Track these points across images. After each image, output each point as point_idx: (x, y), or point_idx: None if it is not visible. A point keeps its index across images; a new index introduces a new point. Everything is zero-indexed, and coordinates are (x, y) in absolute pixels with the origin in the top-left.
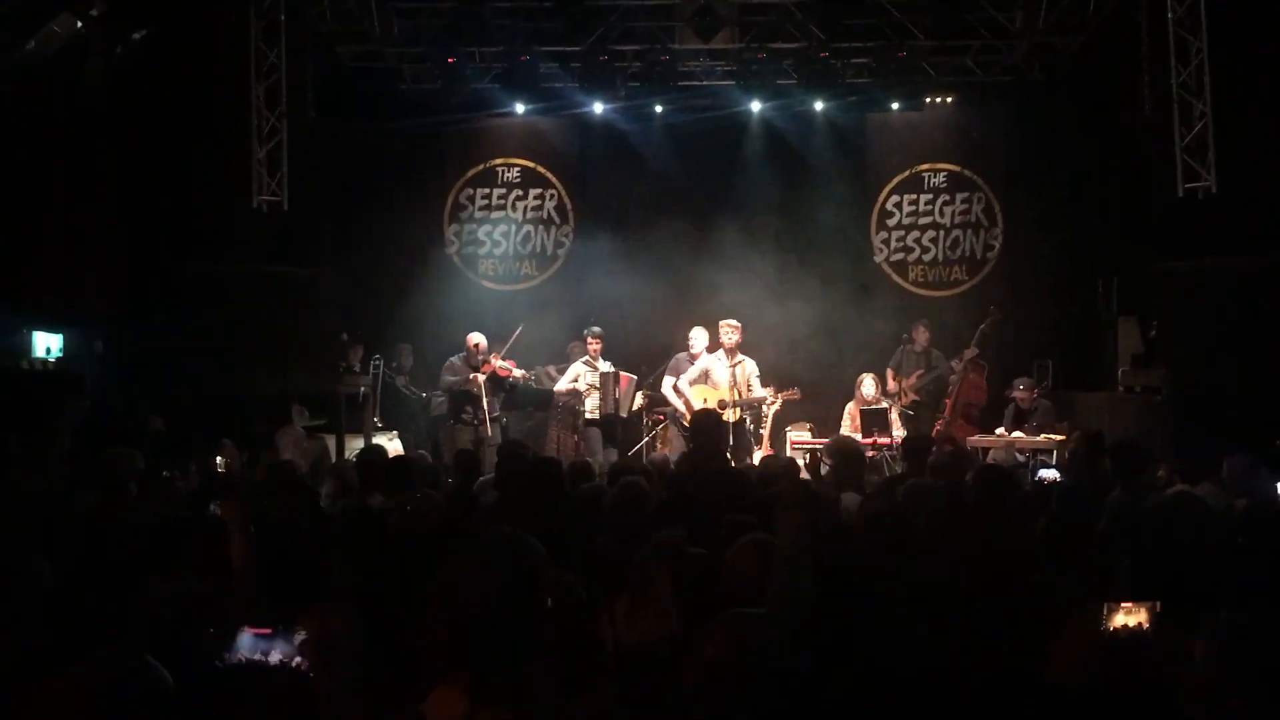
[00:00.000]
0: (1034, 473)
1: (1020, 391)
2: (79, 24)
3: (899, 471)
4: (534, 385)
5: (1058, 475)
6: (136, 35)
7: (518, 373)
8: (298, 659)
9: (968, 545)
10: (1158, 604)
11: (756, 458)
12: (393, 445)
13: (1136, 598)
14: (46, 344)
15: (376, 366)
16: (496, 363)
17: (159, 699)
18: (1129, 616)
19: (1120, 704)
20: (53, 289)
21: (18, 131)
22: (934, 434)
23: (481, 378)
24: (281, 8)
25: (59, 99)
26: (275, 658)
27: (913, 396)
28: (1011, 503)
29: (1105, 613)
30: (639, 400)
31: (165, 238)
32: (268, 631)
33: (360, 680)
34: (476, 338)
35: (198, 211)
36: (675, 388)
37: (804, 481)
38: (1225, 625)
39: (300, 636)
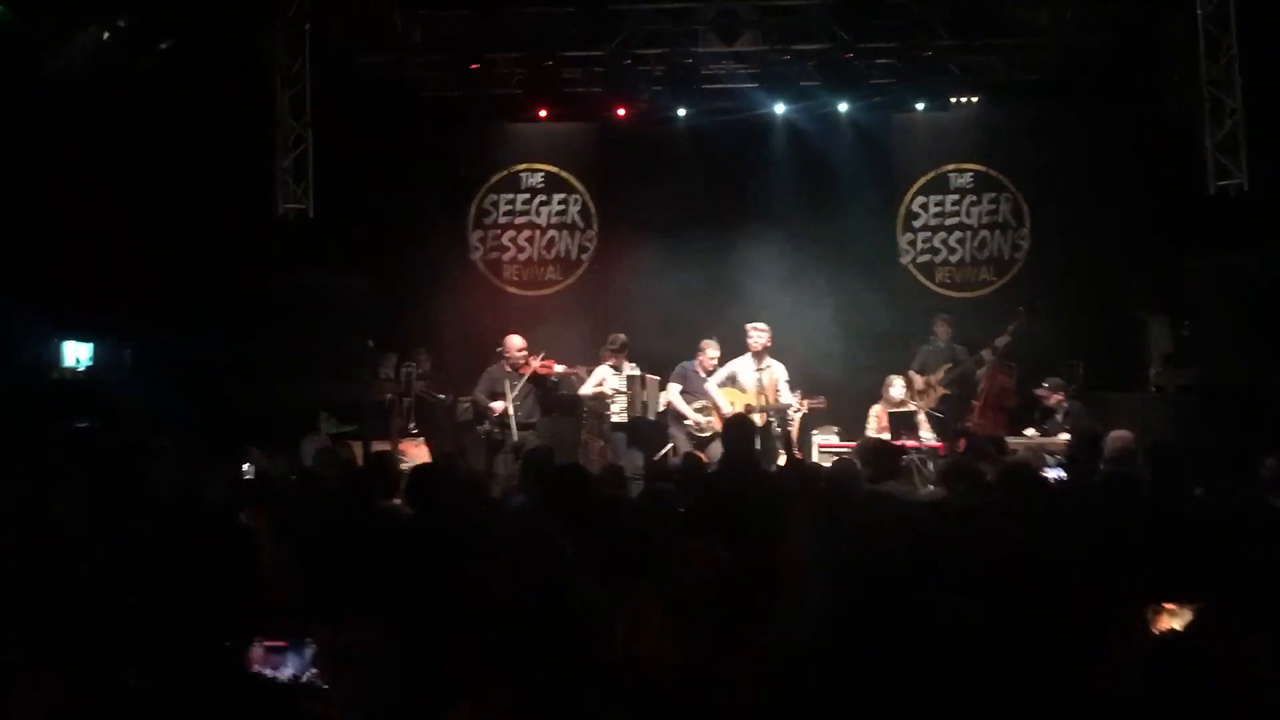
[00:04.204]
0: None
1: (1043, 391)
2: (106, 35)
3: (932, 488)
4: (576, 380)
5: (1062, 474)
6: (163, 45)
7: (559, 368)
8: (311, 672)
9: (999, 544)
10: (1203, 605)
11: (781, 461)
12: (419, 452)
13: (1181, 599)
14: (76, 354)
15: (408, 373)
16: (536, 362)
17: (120, 707)
18: (1174, 619)
19: (1172, 709)
20: (83, 299)
21: (46, 143)
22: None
23: (505, 406)
24: (305, 17)
25: (86, 110)
26: (287, 672)
27: (942, 391)
28: (1039, 502)
29: (1151, 616)
30: (663, 401)
31: (192, 247)
32: (283, 644)
33: (382, 692)
34: (518, 340)
35: (224, 220)
36: (682, 394)
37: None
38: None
39: (312, 649)
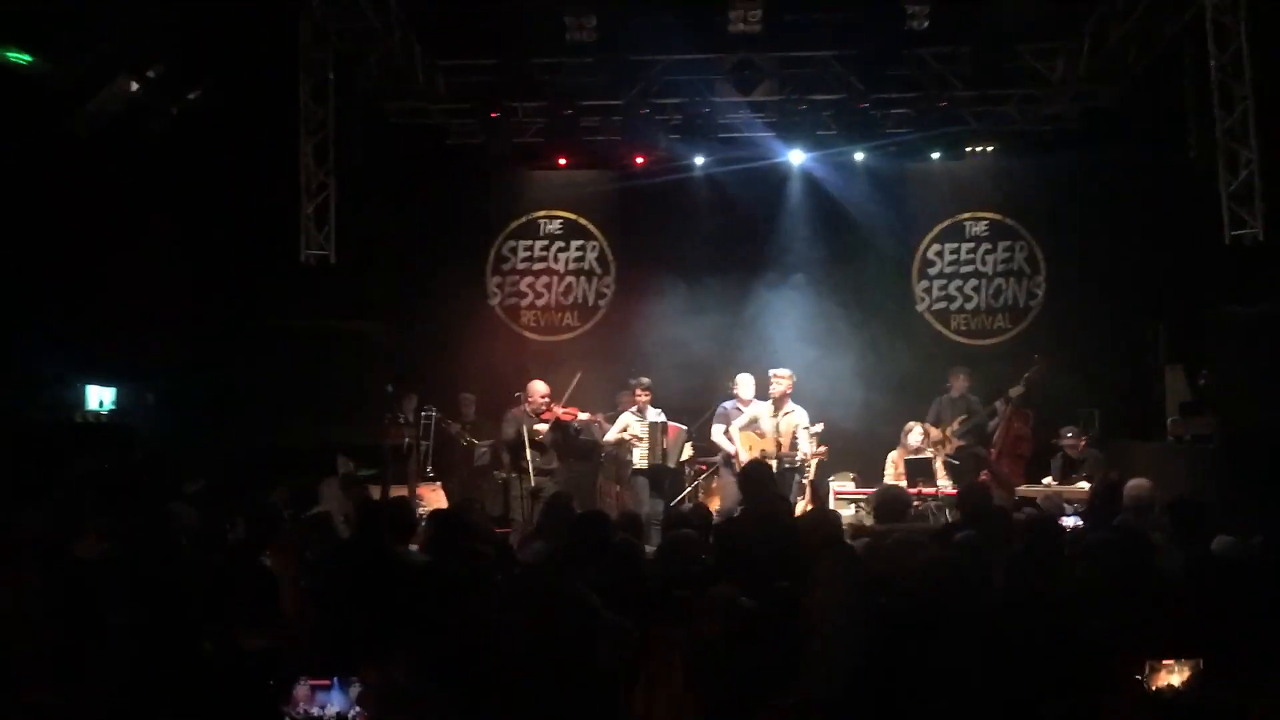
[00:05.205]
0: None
1: (1069, 440)
2: (135, 86)
3: (950, 521)
4: (596, 429)
5: (1079, 522)
6: (191, 95)
7: (582, 416)
8: (355, 711)
9: (1015, 598)
10: (1200, 662)
11: (799, 507)
12: (436, 496)
13: (1181, 655)
14: (100, 397)
15: (428, 417)
16: (559, 410)
17: None
18: (1172, 675)
19: None
20: (107, 344)
21: (73, 190)
22: (980, 482)
23: (543, 428)
24: (330, 66)
25: (113, 158)
26: (333, 710)
27: (956, 443)
28: (1057, 554)
29: (1148, 671)
30: (687, 451)
31: (216, 292)
32: (326, 683)
33: None
34: (541, 387)
35: (248, 266)
36: (727, 434)
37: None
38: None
39: (358, 689)
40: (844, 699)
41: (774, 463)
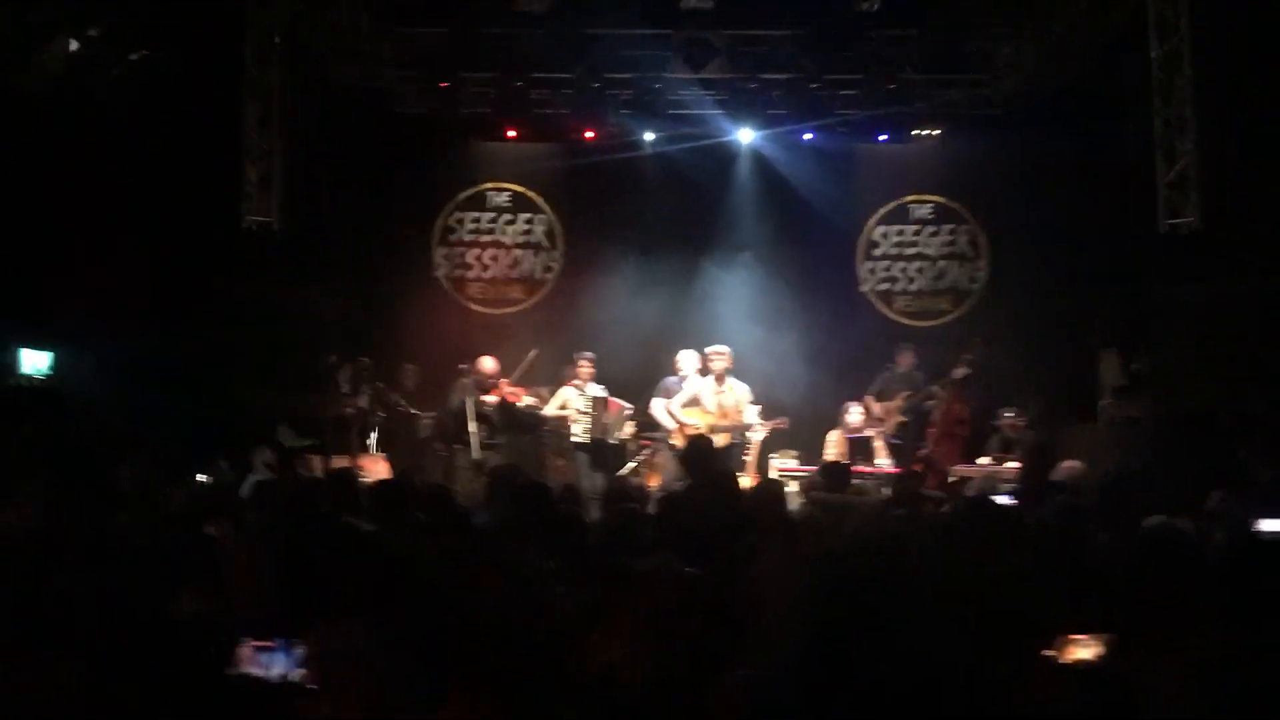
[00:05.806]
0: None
1: (1008, 420)
2: (74, 45)
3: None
4: (539, 411)
5: (1013, 501)
6: (134, 56)
7: (528, 399)
8: (299, 672)
9: (951, 578)
10: (1114, 636)
11: (744, 483)
12: (379, 468)
13: (1097, 630)
14: (34, 362)
15: (369, 387)
16: (507, 388)
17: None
18: (1084, 649)
19: None
20: (44, 307)
21: (11, 150)
22: (915, 462)
23: (492, 399)
24: (276, 30)
25: (54, 119)
26: (276, 672)
27: (899, 419)
28: (996, 535)
29: (1061, 645)
30: (629, 429)
31: (158, 257)
32: (270, 645)
33: (371, 692)
34: (489, 364)
35: (190, 232)
36: (667, 410)
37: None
38: (1191, 656)
39: (302, 651)
40: (791, 676)
41: (721, 437)
